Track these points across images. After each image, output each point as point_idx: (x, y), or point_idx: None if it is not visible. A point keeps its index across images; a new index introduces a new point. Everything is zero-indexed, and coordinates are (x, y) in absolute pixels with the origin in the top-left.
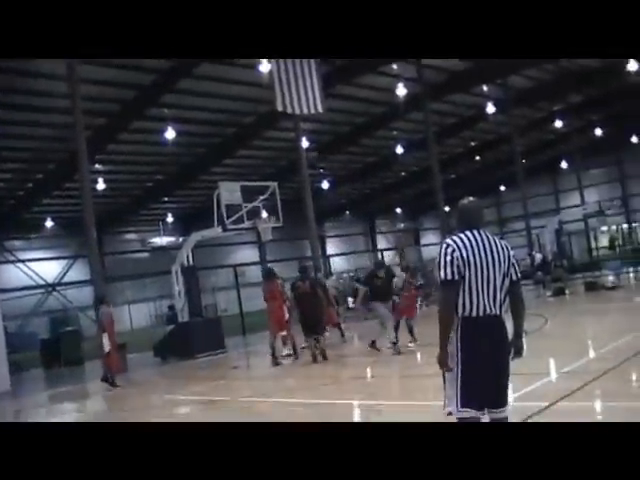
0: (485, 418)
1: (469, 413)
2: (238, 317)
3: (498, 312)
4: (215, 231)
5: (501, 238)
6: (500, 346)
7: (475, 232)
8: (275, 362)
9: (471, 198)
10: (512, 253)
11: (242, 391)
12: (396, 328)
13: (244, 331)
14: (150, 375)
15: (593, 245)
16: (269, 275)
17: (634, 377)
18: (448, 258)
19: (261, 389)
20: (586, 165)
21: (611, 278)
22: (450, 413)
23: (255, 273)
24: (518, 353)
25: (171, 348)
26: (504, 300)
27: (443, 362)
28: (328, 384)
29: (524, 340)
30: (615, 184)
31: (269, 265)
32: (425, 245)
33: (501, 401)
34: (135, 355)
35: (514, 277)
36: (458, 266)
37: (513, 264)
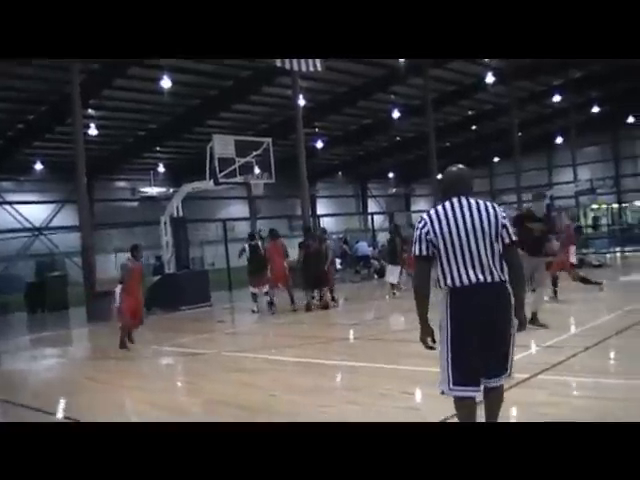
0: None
1: (462, 392)
2: (225, 271)
3: (489, 279)
4: (207, 184)
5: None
6: (495, 313)
7: (455, 200)
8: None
9: (460, 165)
10: (503, 214)
11: (227, 345)
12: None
13: (230, 286)
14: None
15: (582, 223)
16: (274, 234)
17: (613, 355)
18: (418, 233)
19: (246, 344)
20: (581, 142)
21: (593, 256)
22: (443, 392)
23: (244, 229)
24: (521, 325)
25: (157, 299)
26: (500, 265)
27: (423, 340)
28: (313, 343)
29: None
30: (608, 163)
31: (259, 222)
32: (415, 212)
33: (496, 371)
34: None
35: (507, 240)
36: (430, 240)
37: (504, 226)
